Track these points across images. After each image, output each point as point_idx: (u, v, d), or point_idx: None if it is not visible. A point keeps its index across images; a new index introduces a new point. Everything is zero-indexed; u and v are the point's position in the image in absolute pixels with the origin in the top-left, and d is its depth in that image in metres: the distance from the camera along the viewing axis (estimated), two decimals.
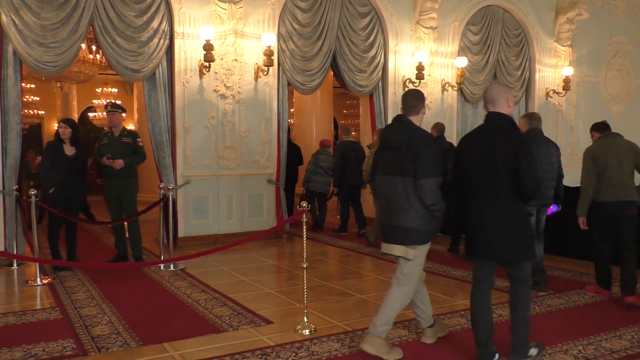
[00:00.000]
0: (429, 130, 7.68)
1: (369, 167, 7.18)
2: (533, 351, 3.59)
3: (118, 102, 12.63)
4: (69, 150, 6.32)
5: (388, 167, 3.65)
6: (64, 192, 6.25)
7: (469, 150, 3.55)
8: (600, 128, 5.37)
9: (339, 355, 3.71)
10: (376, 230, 7.69)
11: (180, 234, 7.73)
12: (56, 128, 6.72)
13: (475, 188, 3.48)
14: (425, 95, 9.59)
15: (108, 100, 13.72)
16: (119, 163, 6.41)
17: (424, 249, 3.65)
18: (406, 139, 3.58)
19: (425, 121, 7.92)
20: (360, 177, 8.43)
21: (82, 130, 7.38)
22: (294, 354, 3.72)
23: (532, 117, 5.64)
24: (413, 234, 3.57)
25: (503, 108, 3.51)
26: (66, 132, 6.31)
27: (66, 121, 6.52)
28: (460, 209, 3.61)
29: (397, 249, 3.63)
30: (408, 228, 3.56)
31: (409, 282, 3.67)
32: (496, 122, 3.51)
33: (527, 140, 3.54)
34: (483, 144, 3.46)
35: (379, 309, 3.71)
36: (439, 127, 7.74)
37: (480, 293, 3.56)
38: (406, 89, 9.40)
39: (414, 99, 3.75)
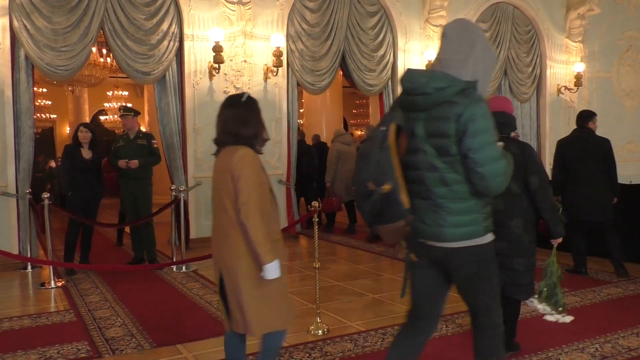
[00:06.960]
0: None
1: None
2: None
3: (129, 104, 12.66)
4: (87, 153, 6.36)
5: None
6: (82, 195, 6.32)
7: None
8: None
9: (353, 355, 3.69)
10: None
11: (192, 235, 7.73)
12: (72, 131, 6.80)
13: None
14: None
15: (120, 104, 13.81)
16: (134, 163, 6.43)
17: None
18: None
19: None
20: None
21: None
22: (307, 354, 3.71)
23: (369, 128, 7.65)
24: None
25: None
26: (87, 136, 6.38)
27: (86, 125, 6.61)
28: None
29: None
30: None
31: None
32: None
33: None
34: None
35: None
36: (302, 133, 9.59)
37: None
38: None
39: None
